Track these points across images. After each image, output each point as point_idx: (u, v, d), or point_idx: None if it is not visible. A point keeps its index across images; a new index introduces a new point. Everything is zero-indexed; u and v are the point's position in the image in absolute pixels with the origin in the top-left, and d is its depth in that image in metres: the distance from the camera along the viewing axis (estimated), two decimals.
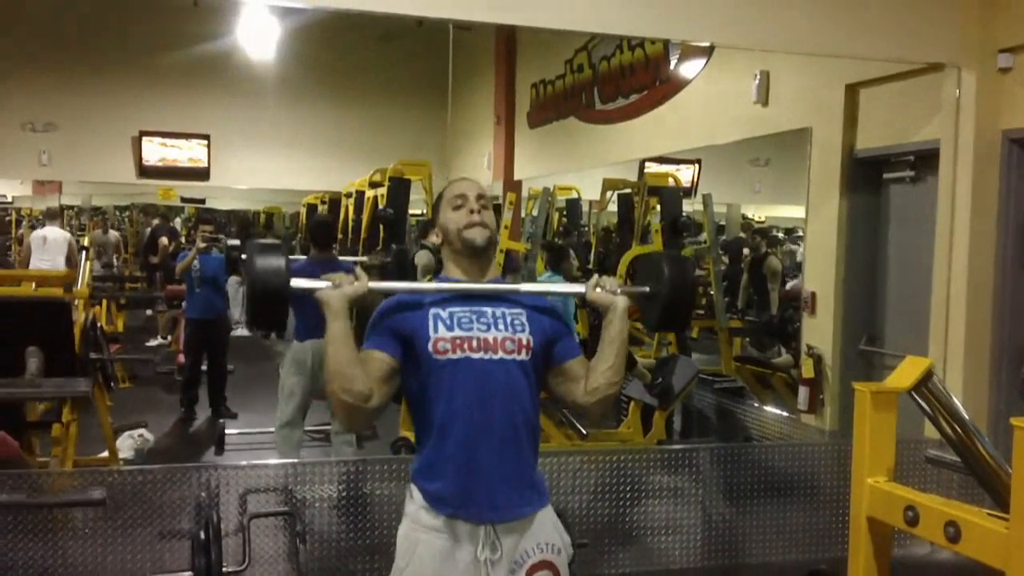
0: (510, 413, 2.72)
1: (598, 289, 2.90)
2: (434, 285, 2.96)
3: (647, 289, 3.10)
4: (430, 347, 2.70)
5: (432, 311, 2.77)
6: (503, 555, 2.68)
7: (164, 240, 14.77)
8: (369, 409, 2.67)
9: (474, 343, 2.72)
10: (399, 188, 10.13)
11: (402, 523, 2.78)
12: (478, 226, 2.85)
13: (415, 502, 2.74)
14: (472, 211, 2.87)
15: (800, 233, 8.74)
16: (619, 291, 2.91)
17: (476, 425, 2.68)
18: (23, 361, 5.45)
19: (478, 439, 2.68)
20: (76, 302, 6.79)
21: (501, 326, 2.77)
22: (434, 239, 3.02)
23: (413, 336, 2.73)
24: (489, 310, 2.80)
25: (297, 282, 2.73)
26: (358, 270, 2.76)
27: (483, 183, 3.05)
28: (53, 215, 13.13)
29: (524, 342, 2.77)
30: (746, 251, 12.18)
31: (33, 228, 16.22)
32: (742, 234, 13.70)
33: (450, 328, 2.73)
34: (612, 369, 2.83)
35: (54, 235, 12.42)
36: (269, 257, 2.69)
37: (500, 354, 2.73)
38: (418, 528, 2.71)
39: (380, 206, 10.33)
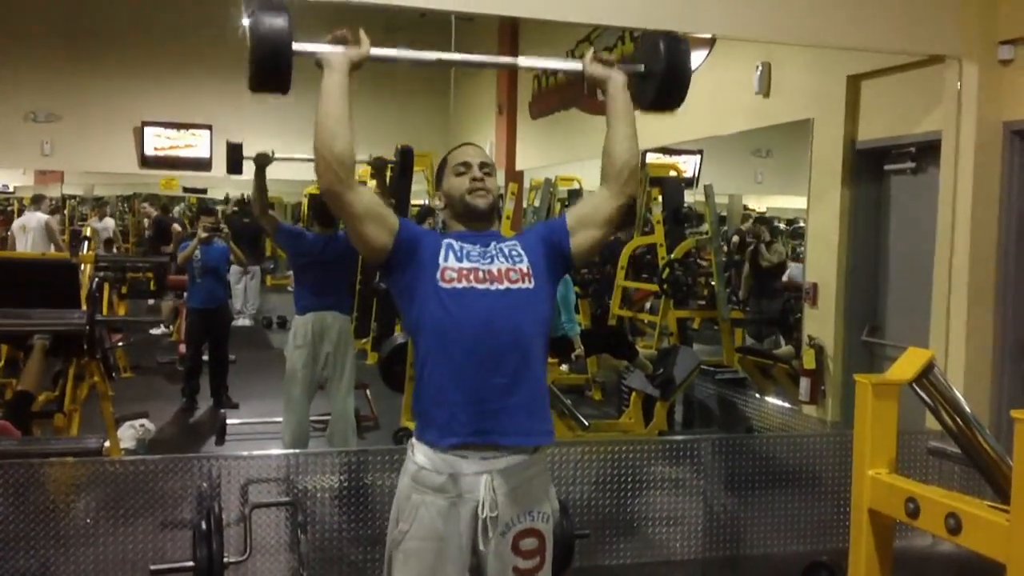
0: (518, 344, 2.75)
1: (595, 64, 2.98)
2: (435, 55, 3.05)
3: (642, 67, 3.10)
4: (438, 274, 2.75)
5: (447, 240, 2.83)
6: (500, 515, 2.72)
7: (177, 227, 14.77)
8: (347, 184, 2.69)
9: (480, 274, 2.77)
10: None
11: (402, 484, 2.80)
12: (480, 190, 2.90)
13: (416, 463, 2.76)
14: (475, 177, 2.91)
15: (801, 224, 8.74)
16: (616, 67, 2.97)
17: (484, 355, 2.71)
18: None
19: (486, 371, 2.71)
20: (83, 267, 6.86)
21: (502, 258, 2.82)
22: (437, 203, 3.05)
23: (426, 254, 2.78)
24: (492, 244, 2.86)
25: (300, 45, 2.69)
26: (361, 34, 2.78)
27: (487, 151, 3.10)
28: (36, 200, 13.21)
29: (525, 270, 2.82)
30: (735, 240, 12.21)
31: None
32: (742, 226, 13.71)
33: (460, 259, 2.78)
34: (628, 139, 2.96)
35: (32, 222, 12.49)
36: (272, 15, 2.64)
37: (505, 284, 2.78)
38: (420, 489, 2.74)
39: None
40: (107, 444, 4.70)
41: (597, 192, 3.00)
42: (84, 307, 6.20)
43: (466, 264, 2.78)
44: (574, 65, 3.10)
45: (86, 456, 4.72)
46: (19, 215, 21.23)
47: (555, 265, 2.93)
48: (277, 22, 2.63)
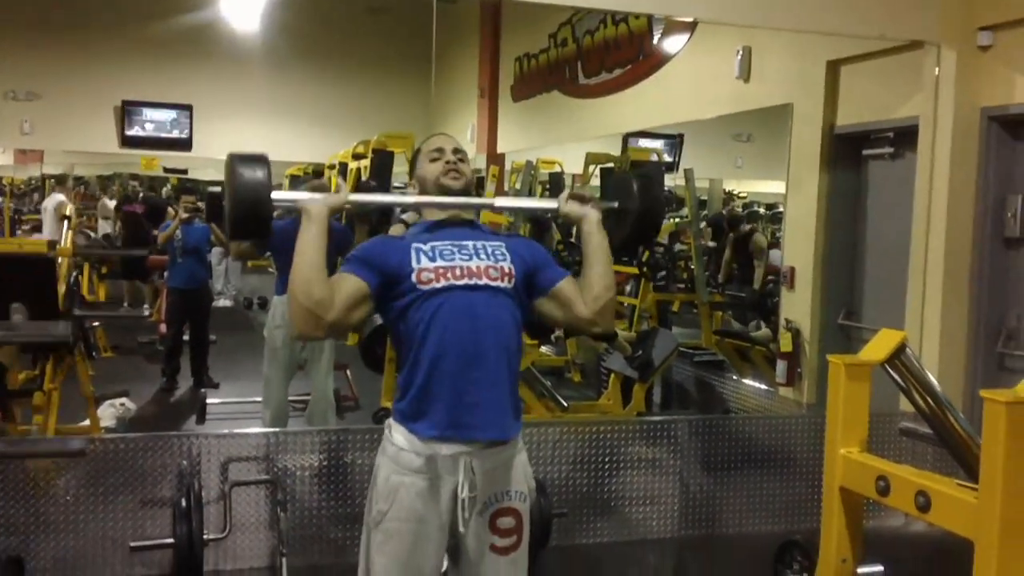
0: (497, 338, 2.77)
1: (571, 203, 2.99)
2: (412, 198, 3.04)
3: (615, 205, 3.16)
4: (414, 278, 2.75)
5: (414, 245, 2.83)
6: (478, 494, 2.74)
7: (172, 210, 14.73)
8: (325, 321, 2.68)
9: (458, 271, 2.77)
10: (382, 160, 10.12)
11: (380, 465, 2.82)
12: (453, 172, 2.95)
13: (395, 444, 2.78)
14: (449, 161, 2.96)
15: (781, 209, 8.78)
16: (591, 205, 2.99)
17: (465, 351, 2.72)
18: (7, 316, 5.49)
19: (467, 365, 2.73)
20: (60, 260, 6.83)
21: (483, 255, 2.84)
22: (411, 191, 3.07)
23: (397, 269, 2.77)
24: (470, 243, 2.87)
25: (279, 194, 2.76)
26: (339, 181, 2.83)
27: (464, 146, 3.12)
28: (60, 180, 13.37)
29: (507, 270, 2.83)
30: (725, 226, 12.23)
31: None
32: (723, 211, 13.73)
33: (432, 259, 2.78)
34: (604, 275, 2.92)
35: (51, 203, 12.67)
36: (252, 168, 2.70)
37: (485, 280, 2.79)
38: (399, 471, 2.76)
39: (363, 178, 10.32)
40: (89, 437, 4.69)
41: (582, 300, 2.93)
42: (60, 299, 6.16)
43: (440, 263, 2.78)
44: (550, 204, 3.15)
45: (69, 457, 4.73)
46: (10, 198, 21.14)
47: (530, 285, 2.92)
48: (257, 175, 2.69)
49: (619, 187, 3.21)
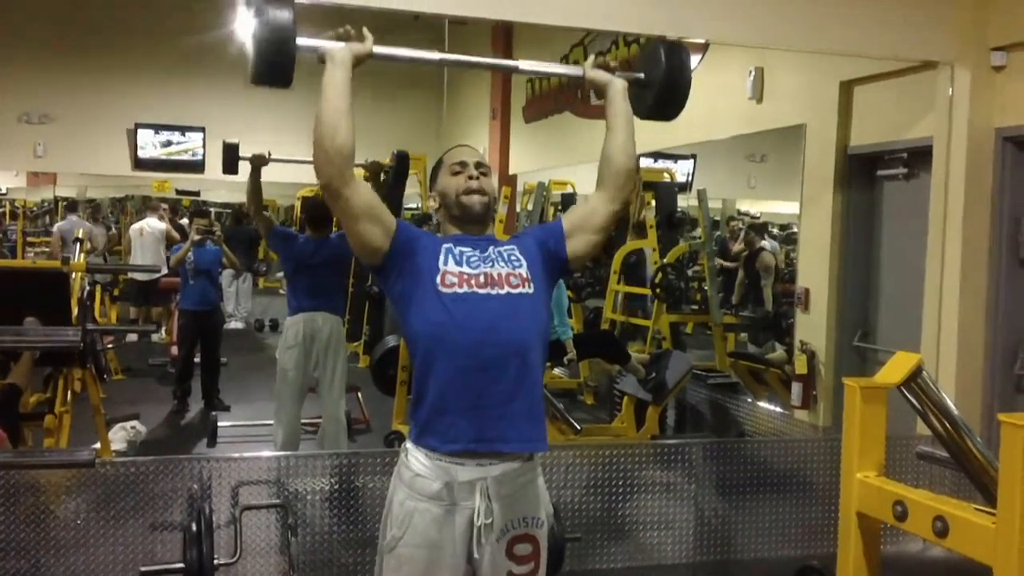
0: (519, 350, 2.74)
1: (596, 69, 3.03)
2: (438, 55, 3.07)
3: (642, 75, 3.14)
4: (438, 278, 2.73)
5: (446, 245, 2.82)
6: (495, 521, 2.71)
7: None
8: (344, 175, 2.68)
9: (481, 279, 2.76)
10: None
11: (395, 490, 2.79)
12: (476, 193, 2.90)
13: (411, 469, 2.75)
14: (471, 176, 2.90)
15: (794, 230, 8.76)
16: (617, 73, 3.02)
17: (487, 360, 2.70)
18: None
19: (489, 378, 2.70)
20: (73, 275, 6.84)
21: (502, 262, 2.82)
22: (431, 204, 3.04)
23: (421, 258, 2.77)
24: (491, 248, 2.85)
25: (304, 41, 2.70)
26: (364, 31, 2.79)
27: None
28: (153, 207, 13.69)
29: (524, 275, 2.81)
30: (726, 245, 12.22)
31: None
32: (725, 234, 13.74)
33: (459, 264, 2.77)
34: (626, 143, 3.01)
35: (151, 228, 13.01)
36: (278, 7, 2.64)
37: (506, 289, 2.77)
38: (414, 496, 2.73)
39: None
40: (98, 448, 4.68)
41: (592, 197, 3.01)
42: (75, 314, 6.18)
43: (466, 269, 2.76)
44: (575, 70, 3.13)
45: (78, 467, 4.70)
46: (11, 218, 21.20)
47: (552, 270, 2.92)
48: (282, 15, 2.63)
49: (647, 58, 3.18)
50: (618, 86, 2.99)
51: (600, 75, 3.01)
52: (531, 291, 2.80)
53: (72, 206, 16.01)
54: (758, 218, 14.85)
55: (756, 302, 10.80)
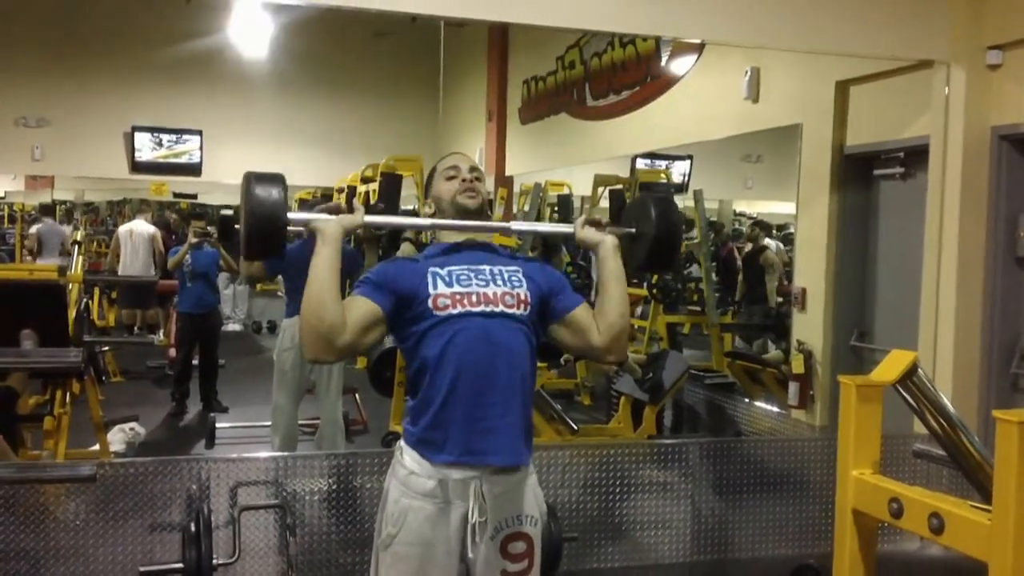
0: (512, 365, 2.75)
1: (587, 228, 2.98)
2: (428, 221, 3.05)
3: (633, 230, 3.13)
4: (431, 303, 2.73)
5: (431, 269, 2.81)
6: (488, 519, 2.73)
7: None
8: (336, 346, 2.66)
9: (474, 298, 2.76)
10: (390, 184, 10.15)
11: (390, 487, 2.81)
12: (470, 191, 2.93)
13: (406, 467, 2.76)
14: (465, 179, 2.94)
15: (791, 230, 8.77)
16: (607, 230, 2.98)
17: (480, 377, 2.71)
18: (18, 343, 5.48)
19: (482, 391, 2.71)
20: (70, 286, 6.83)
21: (500, 281, 2.82)
22: (427, 210, 3.05)
23: (412, 294, 2.75)
24: (487, 267, 2.85)
25: (294, 215, 2.74)
26: (355, 203, 2.81)
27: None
28: (142, 211, 13.64)
29: (522, 297, 2.82)
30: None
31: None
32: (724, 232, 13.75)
33: (449, 284, 2.77)
34: (619, 303, 2.90)
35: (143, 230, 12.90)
36: (268, 187, 2.67)
37: (500, 307, 2.77)
38: (408, 494, 2.74)
39: (371, 201, 10.34)
40: (98, 463, 4.68)
41: (599, 331, 2.91)
42: (71, 325, 6.16)
43: (457, 288, 2.76)
44: (566, 229, 3.13)
45: (79, 482, 4.70)
46: (9, 221, 21.17)
47: (545, 310, 2.90)
48: (273, 193, 2.66)
49: (636, 211, 3.18)
50: (609, 244, 2.94)
51: (591, 234, 2.96)
52: (525, 313, 2.81)
53: (46, 210, 16.14)
54: (754, 218, 14.85)
55: (753, 301, 10.79)
